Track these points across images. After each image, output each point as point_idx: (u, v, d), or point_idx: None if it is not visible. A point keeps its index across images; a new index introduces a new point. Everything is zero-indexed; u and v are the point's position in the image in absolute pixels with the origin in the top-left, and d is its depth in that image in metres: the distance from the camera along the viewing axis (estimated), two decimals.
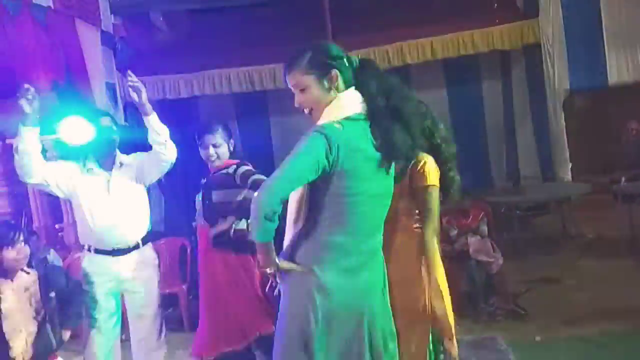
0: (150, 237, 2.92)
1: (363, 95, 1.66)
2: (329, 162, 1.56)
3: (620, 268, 4.60)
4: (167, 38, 6.42)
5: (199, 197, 2.91)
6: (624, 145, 7.78)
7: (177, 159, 2.84)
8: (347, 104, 1.65)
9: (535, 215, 6.02)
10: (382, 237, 1.79)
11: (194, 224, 3.03)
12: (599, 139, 8.31)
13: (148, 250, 2.87)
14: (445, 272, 3.89)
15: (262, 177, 2.76)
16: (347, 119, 1.62)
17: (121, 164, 2.81)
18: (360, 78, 1.68)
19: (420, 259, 2.06)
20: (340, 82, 1.67)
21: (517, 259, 5.10)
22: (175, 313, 4.35)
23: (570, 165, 6.01)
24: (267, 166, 2.83)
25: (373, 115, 1.64)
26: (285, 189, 1.58)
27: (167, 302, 4.41)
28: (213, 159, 2.82)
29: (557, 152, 5.90)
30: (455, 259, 4.06)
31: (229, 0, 5.81)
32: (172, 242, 4.54)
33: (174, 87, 5.89)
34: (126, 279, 2.78)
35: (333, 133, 1.57)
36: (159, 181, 3.18)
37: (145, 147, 2.83)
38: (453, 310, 3.73)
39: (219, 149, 2.82)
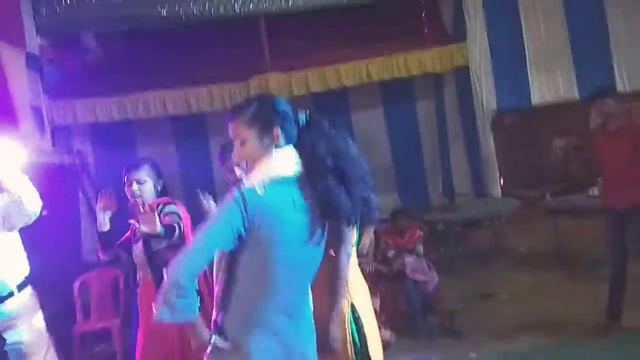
0: (80, 269, 2.75)
1: (306, 153, 1.61)
2: (244, 228, 1.51)
3: (550, 280, 4.83)
4: (98, 59, 6.22)
5: (137, 248, 2.74)
6: (550, 161, 8.25)
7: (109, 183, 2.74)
8: (279, 164, 1.60)
9: (470, 231, 6.24)
10: (309, 301, 1.74)
11: (138, 278, 2.82)
12: (527, 155, 8.77)
13: (25, 297, 2.63)
14: (384, 293, 3.97)
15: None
16: (276, 180, 1.57)
17: None
18: (305, 136, 1.64)
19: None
20: (282, 140, 1.62)
21: (453, 275, 5.25)
22: (108, 349, 4.14)
23: (500, 181, 6.29)
24: (208, 189, 2.77)
25: (315, 174, 1.58)
26: (197, 263, 1.51)
27: (99, 337, 4.24)
28: (136, 196, 2.70)
29: (487, 169, 6.16)
30: (393, 279, 4.13)
31: (163, 21, 5.69)
32: (104, 273, 4.34)
33: (106, 110, 5.68)
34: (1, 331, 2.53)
35: (252, 197, 1.52)
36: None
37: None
38: (394, 329, 3.83)
39: (143, 185, 2.70)
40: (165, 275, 1.51)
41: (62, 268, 4.01)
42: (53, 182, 4.52)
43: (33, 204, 2.53)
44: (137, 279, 2.75)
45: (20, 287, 2.61)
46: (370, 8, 5.97)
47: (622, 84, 5.93)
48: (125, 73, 5.95)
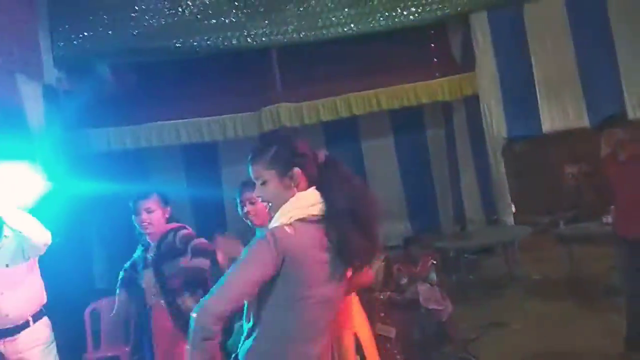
0: (91, 296, 2.77)
1: (324, 194, 1.62)
2: (276, 268, 1.53)
3: (564, 309, 4.74)
4: (114, 90, 6.35)
5: (147, 275, 2.76)
6: (562, 188, 8.20)
7: (120, 212, 2.76)
8: (304, 204, 1.60)
9: (482, 259, 6.19)
10: (328, 341, 1.73)
11: (149, 303, 2.83)
12: (539, 182, 8.72)
13: (40, 329, 2.67)
14: (397, 321, 3.93)
15: (202, 240, 2.70)
16: (303, 220, 1.58)
17: (5, 236, 2.61)
18: (323, 176, 1.66)
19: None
20: (303, 180, 1.64)
21: (466, 303, 5.18)
22: None
23: (512, 208, 6.26)
24: (219, 218, 2.79)
25: (331, 216, 1.59)
26: (224, 309, 1.51)
27: None
28: (146, 224, 2.73)
29: (499, 196, 6.15)
30: (406, 308, 4.09)
31: (177, 52, 5.83)
32: (114, 301, 4.33)
33: (120, 139, 5.79)
34: None
35: (283, 237, 1.53)
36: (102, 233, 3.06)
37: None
38: (408, 358, 3.77)
39: (152, 214, 2.75)
40: (191, 319, 1.51)
41: (73, 295, 4.02)
42: (66, 209, 4.57)
43: (40, 238, 2.56)
44: (149, 304, 2.76)
45: (36, 318, 2.63)
46: (380, 39, 6.08)
47: (633, 112, 5.93)
48: (139, 103, 6.08)
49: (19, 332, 2.58)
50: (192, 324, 1.50)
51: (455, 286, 5.44)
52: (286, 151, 1.65)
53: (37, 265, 2.74)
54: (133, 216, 2.78)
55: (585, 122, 5.99)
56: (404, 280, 4.22)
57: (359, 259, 1.65)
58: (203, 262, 2.64)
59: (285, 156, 1.64)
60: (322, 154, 1.71)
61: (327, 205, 1.60)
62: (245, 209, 2.52)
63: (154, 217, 2.74)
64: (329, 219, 1.59)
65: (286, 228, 1.55)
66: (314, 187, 1.64)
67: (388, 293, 4.07)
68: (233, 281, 1.53)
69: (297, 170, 1.63)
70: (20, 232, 2.51)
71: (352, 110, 5.99)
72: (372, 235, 1.65)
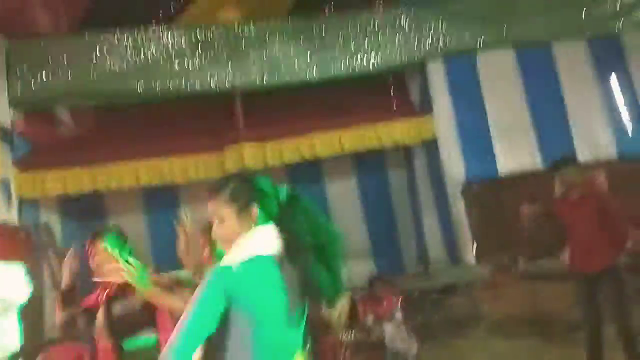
0: (43, 345, 2.62)
1: (286, 231, 1.60)
2: (225, 306, 1.49)
3: (527, 347, 4.79)
4: (72, 132, 6.23)
5: (98, 316, 2.65)
6: (520, 227, 8.43)
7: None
8: (258, 242, 1.58)
9: (446, 297, 6.20)
10: None
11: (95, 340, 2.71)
12: (498, 221, 8.92)
13: None
14: None
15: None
16: (255, 259, 1.54)
17: None
18: (285, 213, 1.63)
19: None
20: (261, 218, 1.62)
21: (431, 342, 5.16)
22: None
23: (473, 248, 6.36)
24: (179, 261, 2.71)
25: (292, 253, 1.57)
26: (190, 345, 1.48)
27: None
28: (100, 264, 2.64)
29: (460, 236, 6.24)
30: (371, 349, 4.03)
31: (139, 96, 5.80)
32: (67, 350, 4.08)
33: (77, 181, 5.62)
34: None
35: (228, 275, 1.50)
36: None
37: None
38: None
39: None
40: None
41: (24, 344, 3.77)
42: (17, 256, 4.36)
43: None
44: (96, 345, 2.64)
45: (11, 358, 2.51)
46: (342, 82, 6.24)
47: (582, 154, 6.21)
48: (97, 144, 5.95)
49: None
50: None
51: (420, 326, 5.41)
52: (245, 187, 1.63)
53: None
54: (90, 258, 2.67)
55: (538, 164, 6.23)
56: (370, 321, 4.18)
57: (321, 295, 1.62)
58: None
59: (243, 192, 1.62)
60: (284, 190, 1.69)
61: (287, 242, 1.56)
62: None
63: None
64: (289, 256, 1.55)
65: (232, 267, 1.51)
66: (271, 225, 1.61)
67: (353, 332, 4.01)
68: (189, 316, 1.48)
69: (255, 209, 1.61)
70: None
71: (316, 151, 6.05)
72: (336, 271, 1.62)
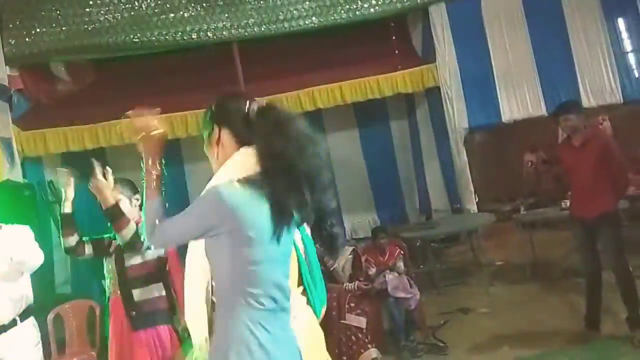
0: (53, 301, 2.70)
1: (258, 150, 1.50)
2: (218, 219, 1.46)
3: (527, 292, 4.90)
4: (69, 88, 6.15)
5: (110, 265, 2.70)
6: (522, 175, 8.45)
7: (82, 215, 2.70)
8: (239, 166, 1.52)
9: (448, 247, 6.31)
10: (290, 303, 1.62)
11: (107, 291, 2.77)
12: (500, 170, 8.96)
13: (27, 328, 2.67)
14: (367, 311, 3.97)
15: None
16: (243, 180, 1.49)
17: None
18: (257, 130, 1.53)
19: None
20: (230, 141, 1.57)
21: (433, 290, 5.30)
22: None
23: (475, 196, 6.40)
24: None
25: (266, 174, 1.49)
26: (170, 235, 1.57)
27: None
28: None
29: (462, 185, 6.27)
30: (375, 298, 4.13)
31: (134, 48, 5.68)
32: (79, 305, 4.23)
33: (78, 139, 5.61)
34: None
35: (226, 193, 1.46)
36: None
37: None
38: (378, 347, 3.82)
39: (122, 203, 2.69)
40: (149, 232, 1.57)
41: (35, 300, 3.88)
42: (24, 214, 4.40)
43: (35, 263, 2.67)
44: (108, 293, 2.72)
45: (23, 317, 2.62)
46: (341, 32, 6.09)
47: (587, 99, 6.14)
48: (97, 101, 5.90)
49: (5, 332, 2.55)
50: (149, 234, 1.57)
51: (423, 275, 5.54)
52: (215, 109, 1.61)
53: None
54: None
55: (542, 110, 6.16)
56: (373, 270, 4.27)
57: (291, 216, 1.52)
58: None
59: (212, 115, 1.61)
60: (255, 105, 1.58)
61: (262, 163, 1.49)
62: None
63: (120, 206, 2.68)
64: (265, 177, 1.48)
65: (229, 184, 1.48)
66: (246, 147, 1.54)
67: (356, 282, 4.10)
68: (183, 219, 1.53)
69: (216, 129, 1.59)
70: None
71: (317, 103, 5.99)
72: (316, 190, 1.52)
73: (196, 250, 1.59)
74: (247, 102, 1.59)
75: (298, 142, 1.49)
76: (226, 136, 1.58)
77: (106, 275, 2.71)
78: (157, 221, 1.56)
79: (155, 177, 1.65)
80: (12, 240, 2.62)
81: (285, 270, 1.60)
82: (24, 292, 2.69)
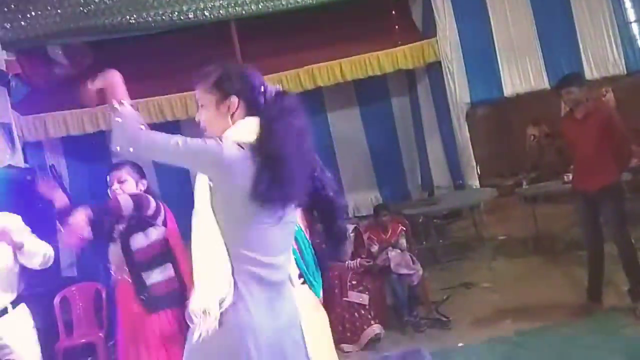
0: (60, 284, 2.74)
1: (265, 125, 1.52)
2: (217, 165, 1.48)
3: (529, 266, 4.93)
4: (67, 72, 6.11)
5: (114, 249, 2.70)
6: (525, 149, 8.42)
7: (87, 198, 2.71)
8: (243, 131, 1.54)
9: (450, 223, 6.32)
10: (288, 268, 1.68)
11: (113, 276, 2.78)
12: (502, 145, 8.93)
13: (19, 314, 2.71)
14: (369, 288, 4.00)
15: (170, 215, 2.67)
16: (240, 145, 1.51)
17: None
18: (266, 113, 1.55)
19: None
20: (241, 112, 1.57)
21: (436, 266, 5.34)
22: None
23: (477, 172, 6.39)
24: (186, 198, 2.73)
25: (265, 156, 1.50)
26: (160, 147, 1.52)
27: (83, 352, 4.16)
28: (117, 194, 2.67)
29: (464, 160, 6.24)
30: (377, 274, 4.17)
31: (131, 29, 5.62)
32: (85, 287, 4.28)
33: (77, 123, 5.60)
34: None
35: (232, 152, 1.48)
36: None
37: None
38: (382, 323, 3.86)
39: (124, 184, 2.68)
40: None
41: (41, 284, 3.92)
42: (28, 199, 4.42)
43: (48, 261, 2.76)
44: (114, 280, 2.73)
45: (14, 304, 2.66)
46: (340, 8, 5.99)
47: (590, 71, 6.07)
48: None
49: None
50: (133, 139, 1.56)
51: (425, 251, 5.57)
52: (229, 78, 1.59)
53: (12, 253, 2.74)
54: (108, 190, 2.72)
55: (545, 83, 6.09)
56: (375, 248, 4.29)
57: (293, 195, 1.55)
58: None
59: (226, 83, 1.58)
60: (273, 89, 1.61)
61: (265, 136, 1.50)
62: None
63: (126, 187, 2.67)
64: (266, 150, 1.48)
65: (236, 144, 1.50)
66: (252, 118, 1.56)
67: (358, 259, 4.13)
68: (186, 142, 1.49)
69: (234, 99, 1.57)
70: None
71: (317, 81, 5.94)
72: (325, 184, 1.61)
73: (204, 208, 1.56)
74: (264, 82, 1.61)
75: (301, 135, 1.54)
76: (241, 107, 1.58)
77: (111, 260, 2.71)
78: (143, 127, 1.54)
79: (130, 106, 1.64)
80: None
81: (289, 234, 1.63)
82: (14, 280, 2.71)
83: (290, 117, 1.54)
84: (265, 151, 1.49)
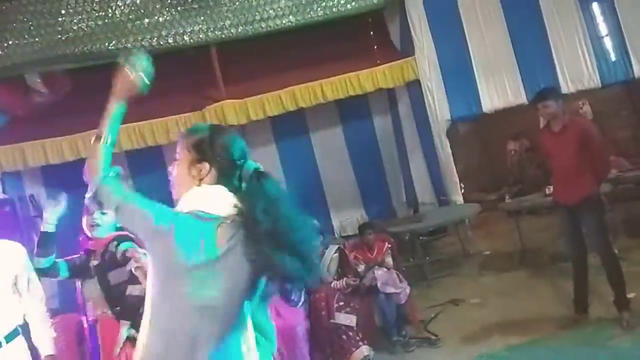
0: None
1: (245, 209, 1.45)
2: (163, 228, 1.42)
3: (516, 280, 4.93)
4: (46, 99, 6.05)
5: (90, 285, 2.64)
6: (506, 164, 8.51)
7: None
8: (204, 199, 1.49)
9: (436, 239, 6.33)
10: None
11: (90, 316, 2.71)
12: (484, 160, 9.02)
13: (15, 349, 2.56)
14: (357, 309, 3.96)
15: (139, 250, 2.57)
16: (197, 215, 1.45)
17: None
18: (247, 191, 1.50)
19: None
20: (212, 179, 1.53)
21: (424, 284, 5.31)
22: None
23: (461, 187, 6.43)
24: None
25: (254, 239, 1.42)
26: (115, 190, 1.53)
27: None
28: (94, 223, 2.63)
29: (447, 177, 6.29)
30: (364, 294, 4.13)
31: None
32: (67, 319, 4.16)
33: (57, 151, 5.53)
34: None
35: (176, 219, 1.44)
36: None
37: None
38: (371, 344, 3.82)
39: (104, 216, 2.65)
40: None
41: None
42: (6, 230, 4.33)
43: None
44: (93, 316, 2.66)
45: (9, 338, 2.53)
46: (319, 30, 6.06)
47: (566, 85, 6.20)
48: (75, 111, 5.80)
49: None
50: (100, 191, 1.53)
51: (412, 268, 5.55)
52: (210, 144, 1.56)
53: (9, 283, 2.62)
54: (84, 218, 2.67)
55: (522, 98, 6.19)
56: (361, 267, 4.26)
57: (296, 277, 1.46)
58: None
59: (206, 146, 1.56)
60: (253, 165, 1.56)
61: (242, 218, 1.43)
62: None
63: (105, 219, 2.63)
64: (252, 240, 1.42)
65: (179, 214, 1.47)
66: (223, 188, 1.52)
67: (344, 279, 4.09)
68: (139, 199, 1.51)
69: (206, 166, 1.54)
70: None
71: (298, 102, 5.96)
72: (304, 255, 1.45)
73: None
74: (243, 158, 1.57)
75: (281, 214, 1.45)
76: (211, 175, 1.54)
77: (87, 297, 2.64)
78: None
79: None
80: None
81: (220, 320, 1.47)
82: (10, 310, 2.58)
83: (272, 200, 1.46)
84: (253, 240, 1.42)
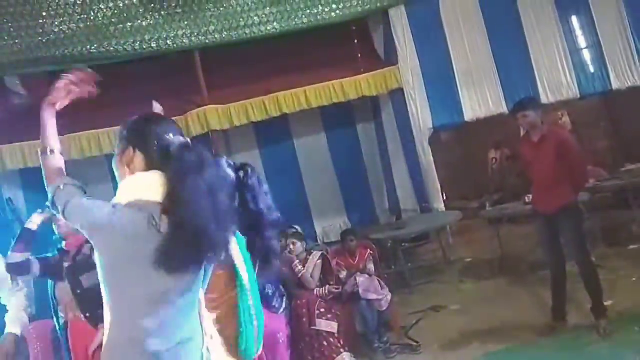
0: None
1: (171, 184, 1.46)
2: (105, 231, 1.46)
3: (496, 287, 4.98)
4: (25, 102, 5.96)
5: (63, 286, 2.60)
6: (487, 172, 8.62)
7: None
8: (139, 187, 1.50)
9: (418, 246, 6.37)
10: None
11: (61, 319, 2.66)
12: (466, 169, 9.12)
13: None
14: (338, 315, 3.95)
15: None
16: (134, 203, 1.47)
17: None
18: (172, 169, 1.48)
19: None
20: (140, 164, 1.54)
21: (405, 291, 5.33)
22: None
23: (443, 195, 6.49)
24: None
25: (177, 206, 1.44)
26: (64, 197, 1.58)
27: None
28: (65, 230, 2.59)
29: (429, 184, 6.35)
30: (346, 301, 4.13)
31: (91, 59, 5.54)
32: (43, 325, 4.06)
33: (35, 154, 5.42)
34: None
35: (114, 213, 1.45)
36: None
37: None
38: (352, 351, 3.82)
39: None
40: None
41: None
42: None
43: None
44: (64, 319, 2.62)
45: None
46: (304, 37, 6.09)
47: (546, 96, 6.32)
48: (57, 114, 5.72)
49: None
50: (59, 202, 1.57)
51: (394, 275, 5.58)
52: (132, 129, 1.60)
53: None
54: (55, 225, 2.63)
55: (503, 108, 6.30)
56: (343, 274, 4.26)
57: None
58: None
59: (129, 133, 1.60)
60: (178, 141, 1.55)
61: (174, 200, 1.44)
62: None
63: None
64: (174, 207, 1.43)
65: (117, 206, 1.48)
66: (155, 171, 1.52)
67: (327, 287, 4.08)
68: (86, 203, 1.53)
69: (130, 151, 1.56)
70: None
71: (282, 108, 5.97)
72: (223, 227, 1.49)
73: None
74: (171, 133, 1.57)
75: (210, 192, 1.46)
76: (138, 159, 1.56)
77: (57, 300, 2.60)
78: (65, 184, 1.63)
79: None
80: None
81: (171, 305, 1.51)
82: None
83: (197, 174, 1.45)
84: (176, 218, 1.43)
